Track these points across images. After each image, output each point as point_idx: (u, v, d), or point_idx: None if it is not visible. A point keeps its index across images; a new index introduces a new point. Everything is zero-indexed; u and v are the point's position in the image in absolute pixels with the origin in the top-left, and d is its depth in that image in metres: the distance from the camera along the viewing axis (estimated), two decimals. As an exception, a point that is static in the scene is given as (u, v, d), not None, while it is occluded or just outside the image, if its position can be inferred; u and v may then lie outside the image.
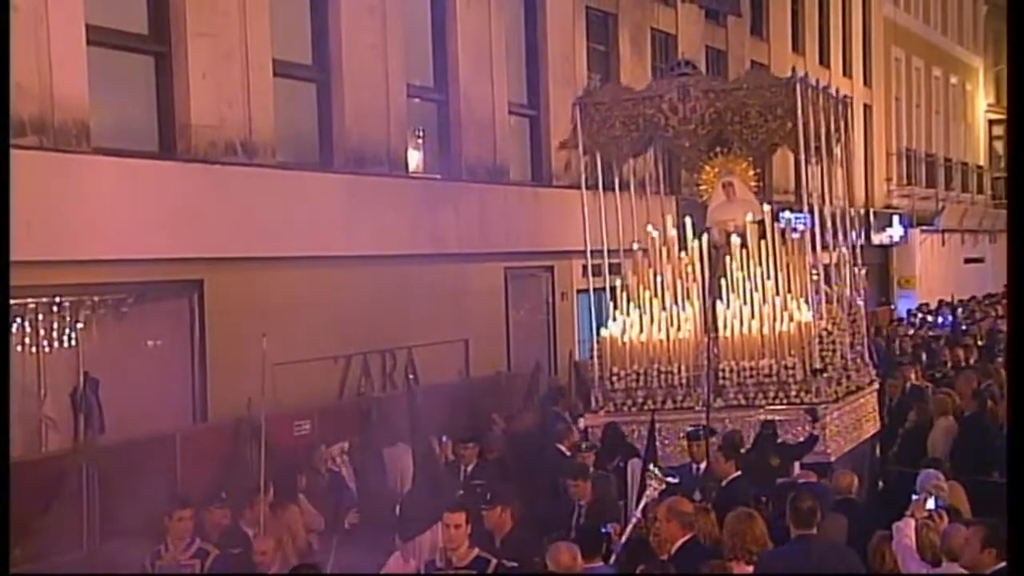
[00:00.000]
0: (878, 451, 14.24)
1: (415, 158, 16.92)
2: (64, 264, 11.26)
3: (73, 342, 11.86)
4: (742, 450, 11.20)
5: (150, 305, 12.67)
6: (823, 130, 13.72)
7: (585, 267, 13.88)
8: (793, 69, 13.99)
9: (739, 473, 10.50)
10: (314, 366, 13.73)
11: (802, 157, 13.40)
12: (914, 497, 8.68)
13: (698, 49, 24.36)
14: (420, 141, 17.19)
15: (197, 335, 12.86)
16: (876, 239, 35.26)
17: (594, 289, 13.94)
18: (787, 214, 13.65)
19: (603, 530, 9.21)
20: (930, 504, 8.44)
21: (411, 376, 14.53)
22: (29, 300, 11.24)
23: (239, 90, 13.39)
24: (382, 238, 15.18)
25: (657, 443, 11.82)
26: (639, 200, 14.67)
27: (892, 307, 34.69)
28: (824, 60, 32.25)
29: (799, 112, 13.01)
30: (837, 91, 15.17)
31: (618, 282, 13.50)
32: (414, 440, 9.58)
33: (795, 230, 13.48)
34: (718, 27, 25.99)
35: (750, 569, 7.78)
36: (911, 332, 26.78)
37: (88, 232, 11.42)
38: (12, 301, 10.59)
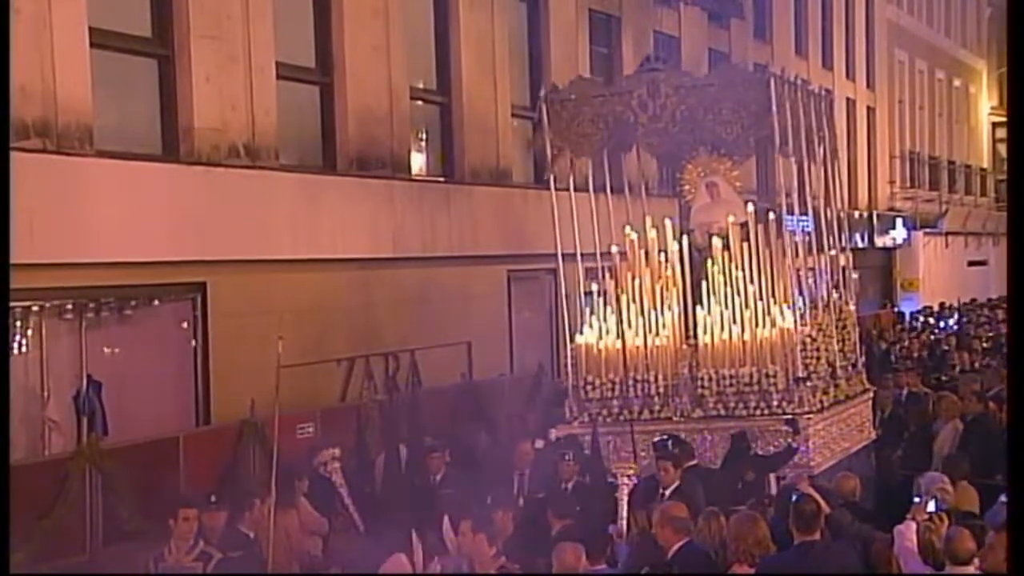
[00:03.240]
0: (873, 460, 13.97)
1: (418, 160, 16.93)
2: (67, 267, 11.27)
3: (76, 344, 11.86)
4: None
5: (153, 308, 12.67)
6: (803, 128, 12.96)
7: (588, 270, 13.67)
8: (766, 64, 13.43)
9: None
10: (317, 369, 13.72)
11: (779, 156, 12.73)
12: (915, 500, 8.68)
13: (701, 52, 24.35)
14: (423, 143, 17.20)
15: (200, 338, 12.88)
16: (879, 241, 35.30)
17: (566, 296, 13.50)
18: (771, 216, 13.03)
19: (608, 531, 9.24)
20: (931, 507, 8.43)
21: (414, 379, 14.53)
22: (32, 303, 11.24)
23: (242, 93, 13.41)
24: (384, 240, 15.20)
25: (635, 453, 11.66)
26: (623, 201, 14.12)
27: (895, 309, 34.66)
28: (827, 63, 32.25)
29: (774, 109, 12.22)
30: (819, 88, 14.42)
31: (594, 287, 12.77)
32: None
33: (779, 233, 12.75)
34: (721, 30, 25.95)
35: (753, 571, 7.78)
36: (914, 335, 26.74)
37: (91, 235, 11.44)
38: (14, 303, 10.60)
